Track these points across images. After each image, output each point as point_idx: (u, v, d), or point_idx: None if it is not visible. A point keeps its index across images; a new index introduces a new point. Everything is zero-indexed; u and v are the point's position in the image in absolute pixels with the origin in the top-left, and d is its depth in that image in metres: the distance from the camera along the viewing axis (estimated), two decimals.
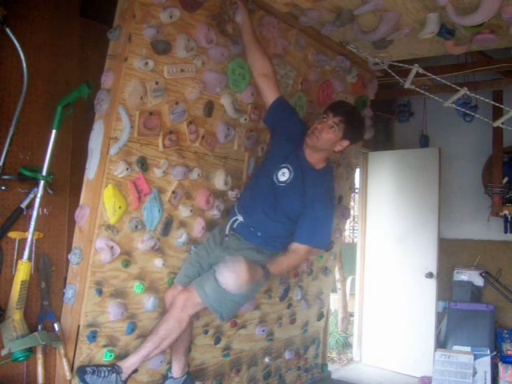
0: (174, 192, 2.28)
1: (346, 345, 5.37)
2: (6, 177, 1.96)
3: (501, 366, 3.94)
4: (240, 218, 2.37)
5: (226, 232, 2.39)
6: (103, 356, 2.17)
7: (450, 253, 4.62)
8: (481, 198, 4.54)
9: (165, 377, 2.45)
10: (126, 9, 1.99)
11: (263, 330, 3.06)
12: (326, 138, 2.26)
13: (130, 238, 2.16)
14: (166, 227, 2.28)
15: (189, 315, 2.23)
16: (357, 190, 5.13)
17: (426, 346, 4.32)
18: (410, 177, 4.59)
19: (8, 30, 1.91)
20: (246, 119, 2.56)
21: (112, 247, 2.07)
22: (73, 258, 2.07)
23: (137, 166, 2.10)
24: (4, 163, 1.94)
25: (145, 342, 2.18)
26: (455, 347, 4.11)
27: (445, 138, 4.72)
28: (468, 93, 3.21)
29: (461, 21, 2.35)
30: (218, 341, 2.76)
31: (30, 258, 2.01)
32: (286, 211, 2.32)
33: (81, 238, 2.09)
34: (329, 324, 4.33)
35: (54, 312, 2.13)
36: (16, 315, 1.96)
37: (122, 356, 2.22)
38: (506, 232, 4.25)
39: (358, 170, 4.80)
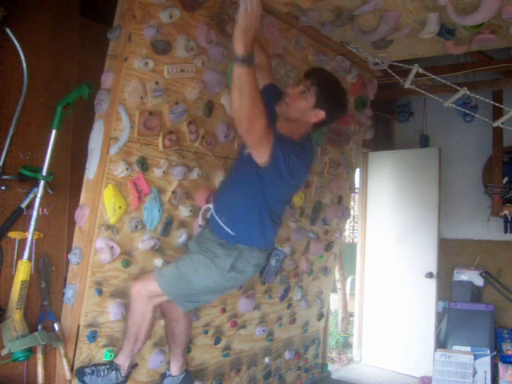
0: (173, 192, 2.27)
1: (346, 345, 5.37)
2: (5, 177, 1.96)
3: (501, 366, 3.94)
4: (210, 206, 2.28)
5: (200, 222, 2.35)
6: (103, 356, 2.17)
7: (450, 253, 4.62)
8: (481, 197, 4.54)
9: (163, 375, 2.45)
10: (126, 9, 1.99)
11: (263, 330, 3.06)
12: (296, 104, 2.00)
13: (130, 237, 2.16)
14: (166, 227, 2.28)
15: (148, 305, 2.13)
16: (357, 190, 5.14)
17: (426, 346, 4.32)
18: (410, 177, 4.59)
19: (8, 30, 1.91)
20: None
21: (112, 247, 2.07)
22: (73, 257, 2.07)
23: (137, 166, 2.11)
24: (4, 163, 1.94)
25: (124, 340, 2.17)
26: (455, 347, 4.11)
27: (445, 138, 4.72)
28: (468, 93, 3.21)
29: (461, 21, 2.35)
30: (218, 341, 2.76)
31: (30, 258, 2.01)
32: (243, 176, 2.15)
33: (81, 238, 2.09)
34: (329, 324, 4.33)
35: (54, 312, 2.13)
36: (16, 315, 1.96)
37: None
38: (506, 232, 4.25)
39: (358, 170, 4.80)
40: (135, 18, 1.97)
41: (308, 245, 3.27)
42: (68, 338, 2.09)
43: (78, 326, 2.08)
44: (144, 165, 2.13)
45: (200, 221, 2.35)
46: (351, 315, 5.62)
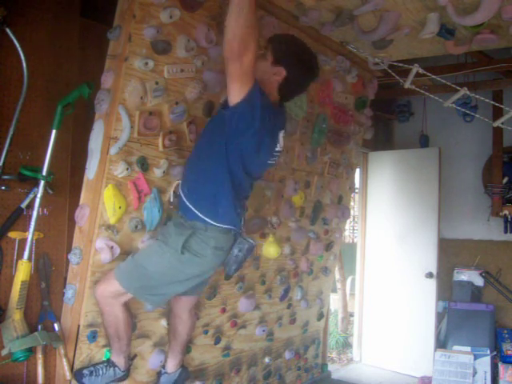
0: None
1: (346, 345, 5.37)
2: (6, 177, 1.95)
3: (501, 366, 3.94)
4: (180, 181, 2.20)
5: (170, 199, 2.25)
6: (103, 356, 2.17)
7: (450, 253, 4.62)
8: (481, 197, 4.54)
9: (159, 373, 2.44)
10: (126, 9, 1.99)
11: (263, 330, 3.06)
12: (257, 65, 1.93)
13: (130, 238, 2.16)
14: None
15: (115, 305, 2.05)
16: (357, 190, 5.14)
17: (426, 346, 4.32)
18: (410, 177, 4.59)
19: (8, 30, 1.91)
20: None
21: (112, 247, 2.06)
22: (73, 257, 2.07)
23: (137, 166, 2.10)
24: (4, 163, 1.93)
25: (109, 340, 2.15)
26: (455, 347, 4.11)
27: (445, 138, 4.72)
28: (468, 93, 3.21)
29: (461, 21, 2.35)
30: (218, 341, 2.76)
31: (30, 258, 2.01)
32: (205, 142, 2.09)
33: (81, 238, 2.09)
34: (329, 324, 4.33)
35: (54, 312, 2.13)
36: (16, 315, 1.96)
37: None
38: (506, 232, 4.26)
39: (358, 170, 4.80)
40: (135, 17, 1.97)
41: (308, 245, 3.27)
42: (68, 338, 2.09)
43: (78, 326, 2.08)
44: (144, 165, 2.13)
45: (170, 197, 2.25)
46: (351, 315, 5.62)
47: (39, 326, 2.08)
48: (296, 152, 2.97)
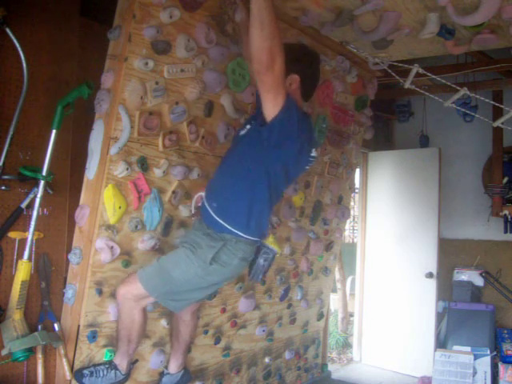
0: (174, 192, 2.27)
1: (346, 345, 5.37)
2: (6, 177, 1.95)
3: (501, 366, 3.94)
4: (202, 193, 2.21)
5: (192, 210, 2.30)
6: (103, 356, 2.17)
7: (450, 253, 4.62)
8: (481, 198, 4.54)
9: (161, 374, 2.45)
10: (126, 9, 1.99)
11: (263, 330, 3.06)
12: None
13: (130, 237, 2.16)
14: (166, 227, 2.28)
15: (135, 308, 2.08)
16: (357, 190, 5.14)
17: (426, 345, 4.32)
18: (410, 177, 4.59)
19: (8, 30, 1.91)
20: (246, 119, 2.56)
21: (112, 247, 2.06)
22: (73, 257, 2.07)
23: (137, 166, 2.10)
24: (4, 163, 1.94)
25: (118, 341, 2.16)
26: (455, 347, 4.11)
27: (445, 138, 4.72)
28: (468, 93, 3.21)
29: (461, 21, 2.35)
30: (218, 341, 2.76)
31: (30, 258, 2.01)
32: (237, 155, 2.12)
33: (81, 237, 2.09)
34: (329, 324, 4.33)
35: (54, 312, 2.13)
36: (16, 315, 1.96)
37: None
38: (505, 232, 4.25)
39: (358, 170, 4.80)
40: (135, 17, 1.97)
41: (308, 245, 3.27)
42: (68, 338, 2.09)
43: (78, 326, 2.08)
44: (144, 165, 2.13)
45: (192, 209, 2.29)
46: (351, 315, 5.62)
47: (39, 326, 2.08)
48: None
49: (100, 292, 2.09)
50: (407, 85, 3.16)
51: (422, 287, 4.39)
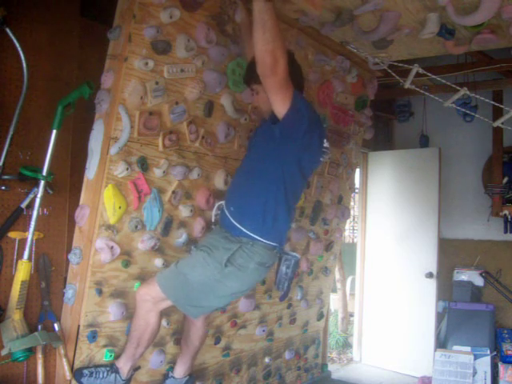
0: (173, 192, 2.27)
1: (346, 345, 5.37)
2: (6, 177, 1.96)
3: (501, 366, 3.94)
4: (223, 202, 2.24)
5: (212, 219, 2.33)
6: (103, 356, 2.17)
7: (450, 253, 4.62)
8: (481, 197, 4.54)
9: (165, 376, 2.45)
10: (126, 9, 1.99)
11: (263, 330, 3.06)
12: (259, 104, 2.21)
13: (130, 237, 2.16)
14: (166, 227, 2.28)
15: (152, 310, 2.09)
16: (357, 190, 5.13)
17: (426, 345, 4.32)
18: (410, 177, 4.59)
19: (8, 30, 1.91)
20: (246, 119, 2.56)
21: (112, 247, 2.06)
22: (73, 257, 2.07)
23: (137, 166, 2.10)
24: (4, 163, 1.94)
25: (127, 342, 2.16)
26: (455, 347, 4.11)
27: (445, 138, 4.72)
28: (468, 93, 3.21)
29: (461, 21, 2.35)
30: (218, 341, 2.76)
31: (30, 258, 2.01)
32: (253, 156, 2.19)
33: (81, 237, 2.09)
34: (329, 324, 4.33)
35: (54, 312, 2.13)
36: (16, 315, 1.96)
37: None
38: (505, 232, 4.26)
39: (358, 170, 4.80)
40: (135, 17, 1.97)
41: (308, 245, 3.27)
42: (68, 338, 2.09)
43: (78, 326, 2.08)
44: (144, 165, 2.13)
45: (212, 217, 2.32)
46: (351, 315, 5.62)
47: (39, 326, 2.08)
48: None
49: (100, 292, 2.09)
50: (407, 85, 3.15)
51: (422, 287, 4.39)
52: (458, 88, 3.17)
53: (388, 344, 4.63)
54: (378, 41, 2.76)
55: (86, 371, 2.08)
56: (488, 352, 3.98)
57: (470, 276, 4.44)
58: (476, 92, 3.59)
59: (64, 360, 2.06)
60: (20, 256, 2.01)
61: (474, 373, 3.90)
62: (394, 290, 4.60)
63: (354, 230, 8.93)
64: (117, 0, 2.03)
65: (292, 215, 2.24)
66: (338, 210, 3.48)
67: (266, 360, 3.18)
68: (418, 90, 3.30)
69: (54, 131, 2.01)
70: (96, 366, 2.12)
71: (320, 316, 3.67)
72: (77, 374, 2.07)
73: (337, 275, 5.62)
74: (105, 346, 2.17)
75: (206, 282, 2.07)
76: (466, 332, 4.14)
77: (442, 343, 4.28)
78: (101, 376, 2.10)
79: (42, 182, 2.01)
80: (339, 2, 2.40)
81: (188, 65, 2.20)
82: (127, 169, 2.05)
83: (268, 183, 2.08)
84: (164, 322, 2.40)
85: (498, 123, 3.58)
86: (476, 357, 3.95)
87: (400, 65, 3.06)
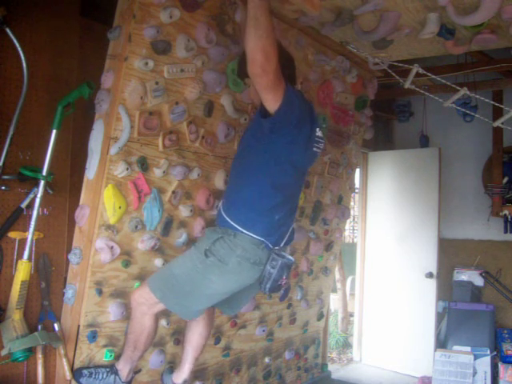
0: (173, 192, 2.27)
1: (346, 345, 5.37)
2: (6, 177, 1.96)
3: (501, 366, 3.94)
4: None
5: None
6: (103, 356, 2.17)
7: (450, 253, 4.62)
8: (481, 198, 4.54)
9: (164, 377, 2.44)
10: (126, 9, 1.99)
11: (263, 330, 3.06)
12: (252, 95, 2.26)
13: (130, 238, 2.16)
14: (166, 227, 2.28)
15: (147, 313, 2.06)
16: (357, 190, 5.13)
17: (426, 345, 4.32)
18: (410, 177, 4.59)
19: (8, 30, 1.91)
20: (245, 119, 2.56)
21: (112, 247, 2.07)
22: (73, 257, 2.07)
23: (137, 166, 2.10)
24: (4, 163, 1.94)
25: (124, 345, 2.15)
26: (455, 347, 4.11)
27: (445, 138, 4.73)
28: (468, 93, 3.21)
29: (461, 21, 2.35)
30: (217, 341, 2.76)
31: (30, 258, 2.01)
32: (244, 150, 2.17)
33: (81, 237, 2.09)
34: (329, 324, 4.33)
35: (54, 312, 2.13)
36: (16, 315, 1.96)
37: None
38: (505, 232, 4.26)
39: (358, 170, 4.80)
40: (135, 17, 1.97)
41: (308, 245, 3.27)
42: (68, 338, 2.09)
43: (78, 326, 2.08)
44: (144, 165, 2.13)
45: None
46: (351, 315, 5.62)
47: (39, 326, 2.08)
48: None
49: (100, 292, 2.09)
50: (407, 85, 3.15)
51: (422, 287, 4.39)
52: (458, 88, 3.17)
53: (388, 344, 4.63)
54: (378, 41, 2.76)
55: (85, 371, 2.08)
56: (488, 352, 3.98)
57: (469, 276, 4.44)
58: (476, 92, 3.59)
59: (64, 360, 2.06)
60: (20, 256, 2.01)
61: (474, 373, 3.90)
62: (394, 289, 4.60)
63: (354, 230, 8.93)
64: (117, 0, 2.03)
65: (284, 209, 2.11)
66: (338, 210, 3.48)
67: (266, 360, 3.18)
68: (417, 89, 3.30)
69: (54, 131, 2.01)
70: (96, 367, 2.12)
71: (320, 316, 3.67)
72: (76, 374, 2.07)
73: (337, 275, 5.62)
74: (105, 346, 2.17)
75: (190, 274, 2.01)
76: (465, 332, 4.15)
77: (441, 343, 4.28)
78: (100, 377, 2.09)
79: (42, 182, 2.01)
80: (339, 1, 2.39)
81: (188, 65, 2.20)
82: (127, 169, 2.05)
83: (253, 176, 2.06)
84: (164, 322, 2.40)
85: (497, 123, 3.58)
86: (476, 357, 3.96)
87: (400, 65, 3.06)
